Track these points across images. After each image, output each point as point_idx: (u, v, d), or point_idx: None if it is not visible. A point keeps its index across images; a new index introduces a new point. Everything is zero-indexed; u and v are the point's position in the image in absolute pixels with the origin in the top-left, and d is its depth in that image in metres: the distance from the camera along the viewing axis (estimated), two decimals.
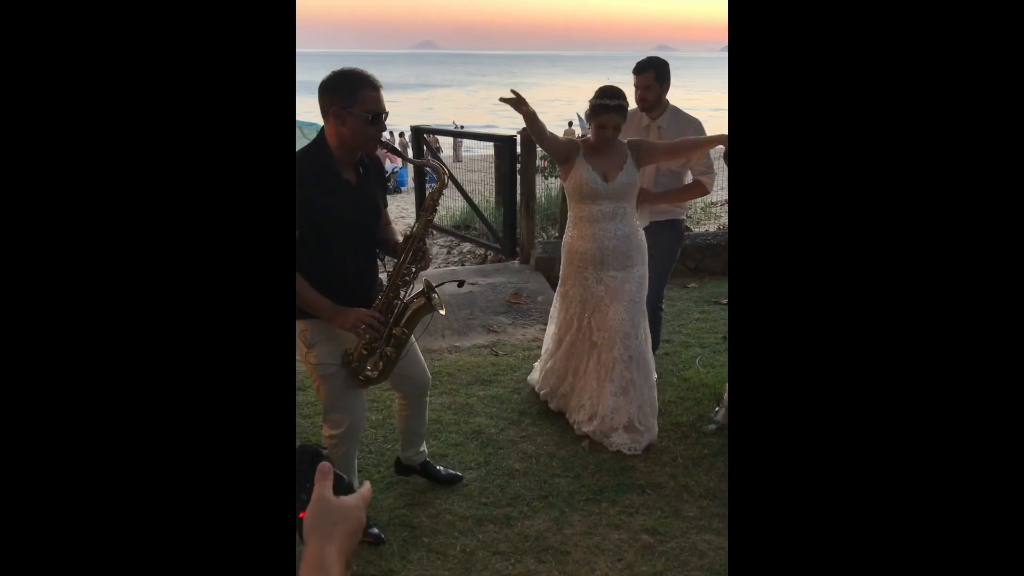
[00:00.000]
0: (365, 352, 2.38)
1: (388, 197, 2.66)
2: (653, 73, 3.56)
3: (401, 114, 35.98)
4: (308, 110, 3.14)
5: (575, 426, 3.34)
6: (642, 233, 3.33)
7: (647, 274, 3.34)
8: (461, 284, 2.84)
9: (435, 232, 7.56)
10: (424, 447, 2.93)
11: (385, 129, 2.37)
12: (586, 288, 3.28)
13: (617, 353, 3.21)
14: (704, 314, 4.88)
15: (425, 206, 2.44)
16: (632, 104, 3.37)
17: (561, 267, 3.41)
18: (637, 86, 3.58)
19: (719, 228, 7.25)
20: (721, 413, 3.39)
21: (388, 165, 16.53)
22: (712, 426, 3.34)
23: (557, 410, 3.49)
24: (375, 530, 2.59)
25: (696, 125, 3.59)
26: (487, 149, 8.92)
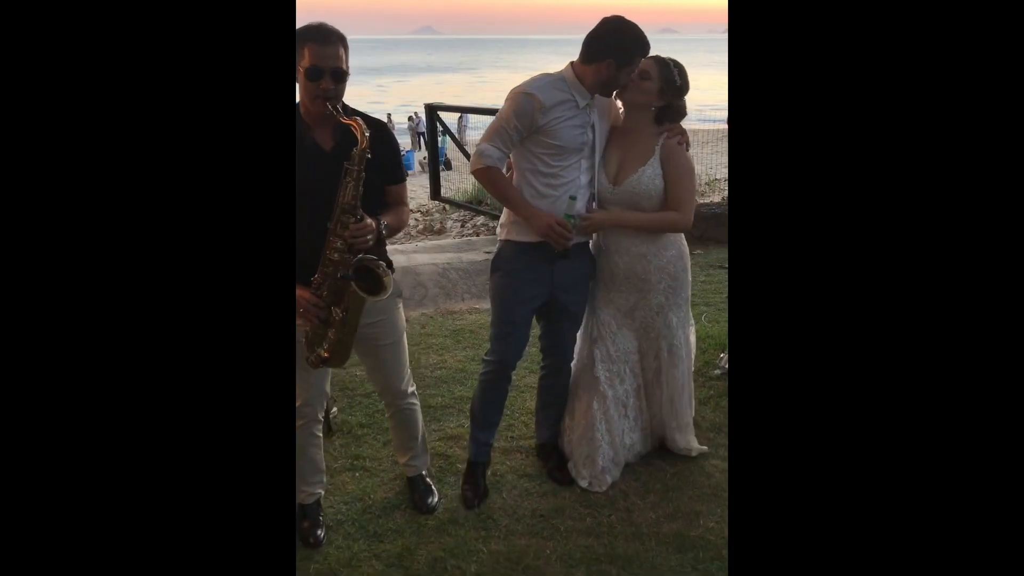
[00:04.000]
0: (313, 333, 2.15)
1: None
2: None
3: (407, 98, 36.04)
4: None
5: (573, 473, 2.74)
6: (675, 254, 2.58)
7: (679, 308, 2.66)
8: (391, 266, 2.16)
9: (447, 207, 7.82)
10: (417, 460, 2.65)
11: (331, 87, 2.00)
12: (592, 310, 2.70)
13: (628, 386, 2.73)
14: (709, 277, 5.16)
15: (346, 169, 2.00)
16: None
17: None
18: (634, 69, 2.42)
19: (722, 200, 7.49)
20: (725, 360, 3.65)
21: None
22: (717, 371, 3.61)
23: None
24: (320, 532, 2.44)
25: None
26: None
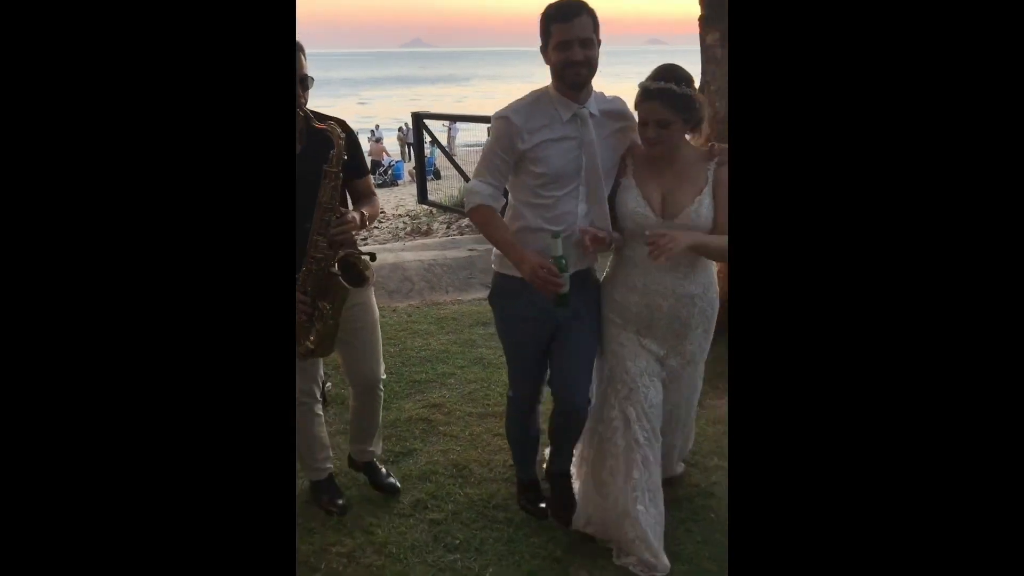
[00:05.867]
0: (299, 327, 2.26)
1: (387, 190, 2.41)
2: (591, 22, 2.03)
3: (395, 109, 36.46)
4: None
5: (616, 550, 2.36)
6: (714, 295, 2.29)
7: (705, 354, 2.38)
8: (373, 258, 2.26)
9: (434, 211, 8.19)
10: (374, 446, 2.76)
11: (303, 94, 2.13)
12: (619, 357, 2.30)
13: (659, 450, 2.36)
14: None
15: (325, 172, 2.14)
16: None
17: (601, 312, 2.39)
18: (569, 36, 2.02)
19: None
20: None
21: (384, 159, 17.11)
22: None
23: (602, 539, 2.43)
24: (340, 501, 2.63)
25: (622, 105, 2.26)
26: (484, 137, 9.48)
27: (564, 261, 2.06)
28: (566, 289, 2.06)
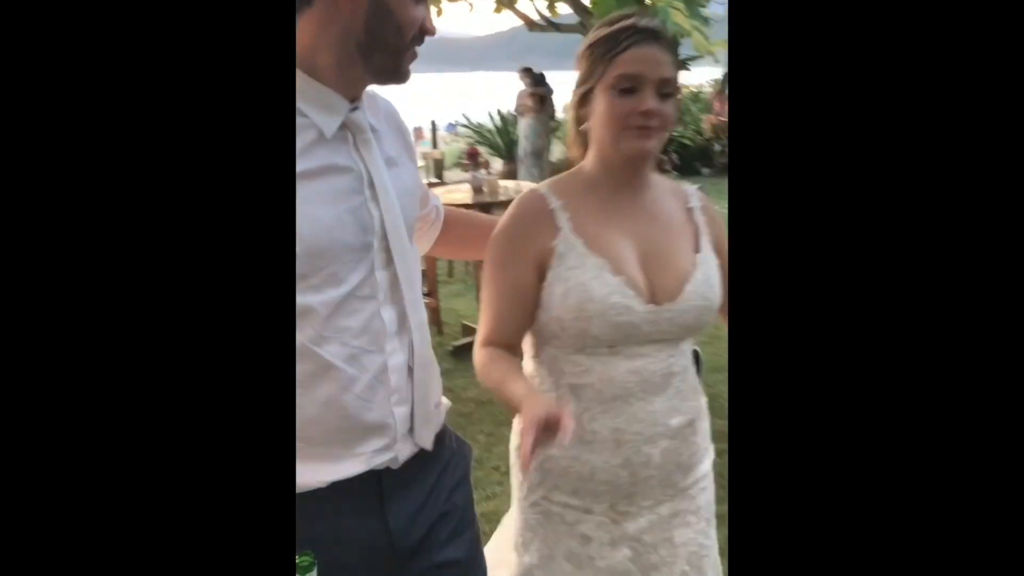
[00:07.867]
0: None
1: None
2: None
3: None
4: None
5: None
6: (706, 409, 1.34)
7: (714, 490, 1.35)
8: None
9: None
10: None
11: None
12: (582, 564, 1.23)
13: None
14: None
15: None
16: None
17: (516, 498, 1.29)
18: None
19: None
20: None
21: None
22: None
23: None
24: None
25: (393, 107, 1.15)
26: None
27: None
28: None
